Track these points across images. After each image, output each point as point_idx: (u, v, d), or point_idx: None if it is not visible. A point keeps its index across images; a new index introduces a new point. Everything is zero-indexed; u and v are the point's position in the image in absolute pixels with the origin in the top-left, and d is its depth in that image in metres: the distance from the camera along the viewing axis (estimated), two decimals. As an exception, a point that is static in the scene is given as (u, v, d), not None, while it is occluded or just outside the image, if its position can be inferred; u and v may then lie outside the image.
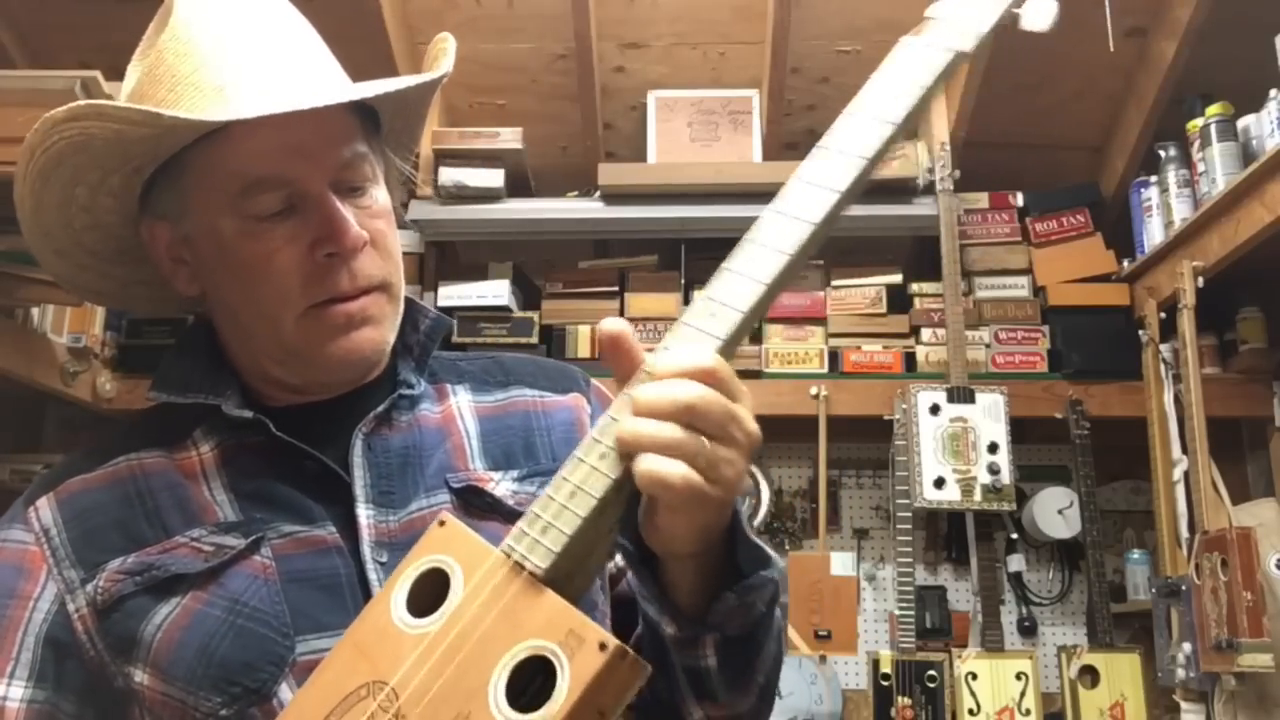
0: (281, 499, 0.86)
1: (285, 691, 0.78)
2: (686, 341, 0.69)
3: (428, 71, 0.94)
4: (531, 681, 0.65)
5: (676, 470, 0.65)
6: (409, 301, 0.95)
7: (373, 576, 0.82)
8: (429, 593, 0.70)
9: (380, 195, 0.90)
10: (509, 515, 0.87)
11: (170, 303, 0.98)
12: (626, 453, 0.67)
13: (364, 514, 0.85)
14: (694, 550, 0.72)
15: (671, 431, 0.65)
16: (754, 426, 0.69)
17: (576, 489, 0.68)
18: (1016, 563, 3.04)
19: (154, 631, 0.80)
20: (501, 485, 0.90)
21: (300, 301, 0.84)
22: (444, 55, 0.94)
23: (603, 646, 0.63)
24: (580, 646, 0.64)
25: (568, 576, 0.68)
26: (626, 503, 0.70)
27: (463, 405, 0.96)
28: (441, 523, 0.73)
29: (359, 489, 0.86)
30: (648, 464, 0.65)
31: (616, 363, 0.71)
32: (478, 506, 0.88)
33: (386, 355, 0.92)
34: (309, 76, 0.87)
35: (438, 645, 0.67)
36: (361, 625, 0.72)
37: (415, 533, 0.83)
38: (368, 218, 0.87)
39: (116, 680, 0.81)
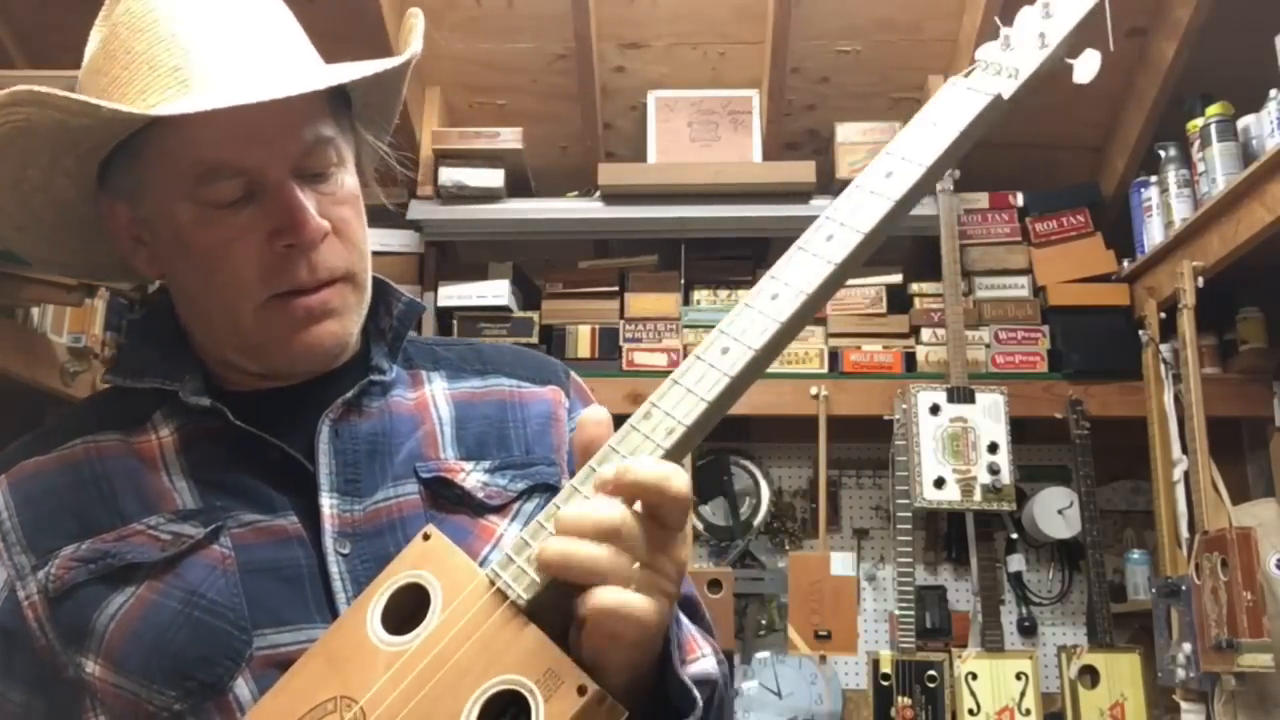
0: (242, 487, 0.83)
1: (241, 687, 0.76)
2: (648, 435, 0.67)
3: (403, 47, 0.90)
4: (503, 714, 0.64)
5: (630, 604, 0.62)
6: (382, 284, 0.92)
7: (334, 569, 0.80)
8: (406, 608, 0.68)
9: (347, 180, 0.86)
10: (478, 508, 0.85)
11: (132, 278, 0.96)
12: (548, 571, 0.64)
13: (327, 503, 0.82)
14: (626, 677, 0.68)
15: (598, 558, 0.63)
16: (684, 556, 0.67)
17: None
18: (1016, 563, 3.04)
19: (107, 622, 0.77)
20: (472, 476, 0.87)
21: (259, 292, 0.81)
22: (413, 33, 0.90)
23: (581, 690, 0.61)
24: (558, 687, 0.62)
25: (550, 609, 0.66)
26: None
27: (437, 392, 0.93)
28: (426, 536, 0.71)
29: (322, 477, 0.83)
30: (595, 600, 0.62)
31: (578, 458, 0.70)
32: (446, 498, 0.85)
33: (351, 346, 0.89)
34: (271, 58, 0.83)
35: (412, 667, 0.65)
36: (335, 635, 0.70)
37: (380, 522, 0.82)
38: (331, 205, 0.83)
39: (68, 670, 0.79)
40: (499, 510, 0.86)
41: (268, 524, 0.82)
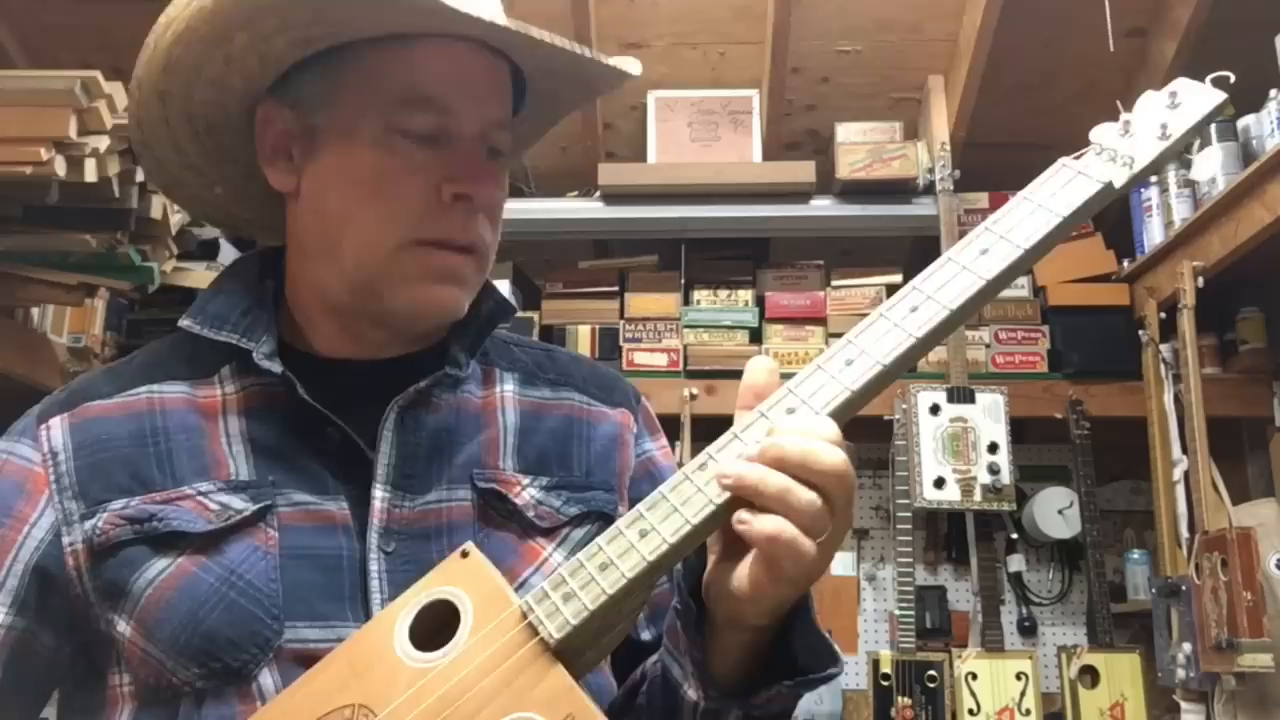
0: (298, 463, 0.82)
1: (265, 677, 0.76)
2: (820, 395, 0.67)
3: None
4: None
5: (805, 542, 0.64)
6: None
7: (373, 566, 0.79)
8: (435, 622, 0.68)
9: (504, 172, 0.88)
10: (527, 527, 0.84)
11: (207, 206, 0.95)
12: (742, 495, 0.64)
13: (379, 495, 0.81)
14: (764, 623, 0.69)
15: (811, 498, 0.64)
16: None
17: (609, 563, 0.65)
18: (1016, 563, 3.04)
19: (144, 586, 0.78)
20: (526, 492, 0.86)
21: (407, 230, 0.81)
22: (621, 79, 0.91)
23: None
24: None
25: (579, 650, 0.65)
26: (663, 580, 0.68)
27: (507, 395, 0.92)
28: (465, 553, 0.70)
29: (380, 467, 0.82)
30: (775, 525, 0.63)
31: (744, 400, 0.70)
32: (497, 511, 0.84)
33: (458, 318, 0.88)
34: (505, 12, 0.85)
35: (433, 689, 0.65)
36: (361, 641, 0.69)
37: (428, 524, 0.82)
38: (495, 185, 0.86)
39: (100, 624, 0.80)
40: (547, 534, 0.85)
41: (317, 507, 0.81)
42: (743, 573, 0.67)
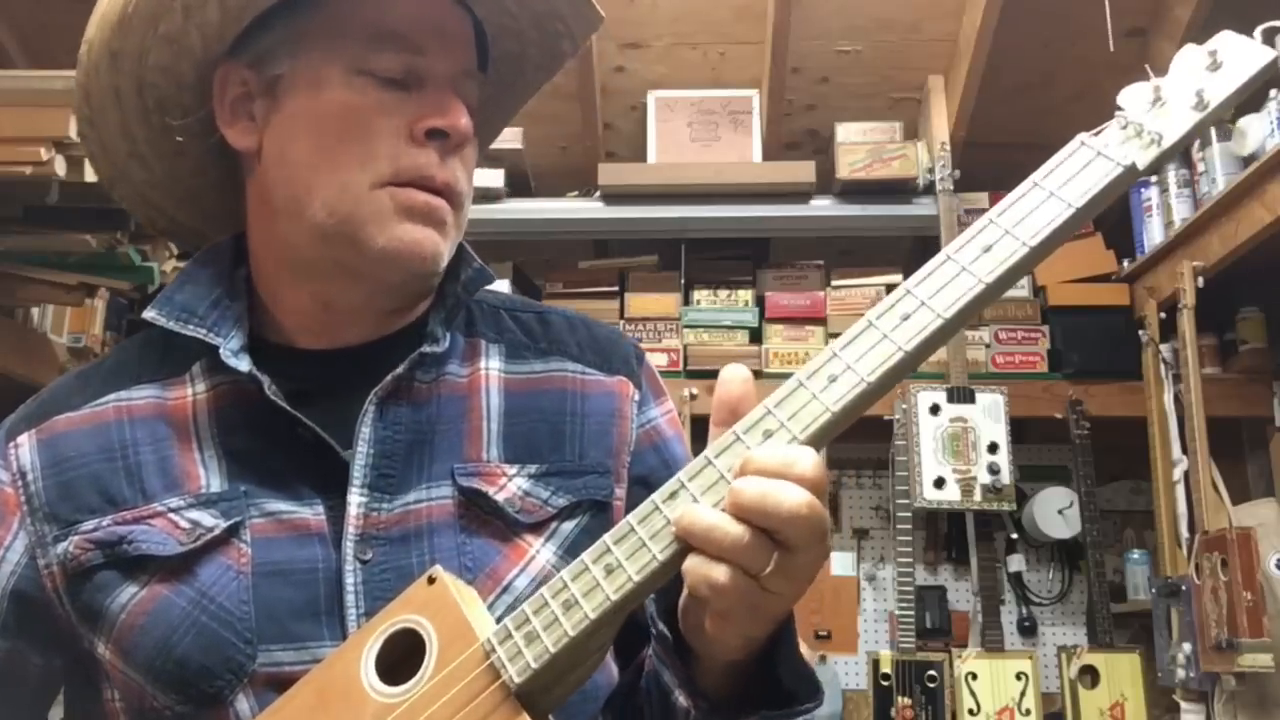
0: (272, 468, 0.79)
1: (242, 702, 0.74)
2: (800, 417, 0.62)
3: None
4: None
5: (733, 580, 0.60)
6: (459, 246, 0.87)
7: (349, 579, 0.76)
8: (404, 649, 0.66)
9: (472, 131, 0.84)
10: (510, 524, 0.80)
11: (151, 209, 0.91)
12: (687, 543, 0.61)
13: (355, 500, 0.77)
14: (738, 656, 0.67)
15: (747, 539, 0.59)
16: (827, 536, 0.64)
17: (573, 601, 0.62)
18: (1016, 563, 3.04)
19: (118, 611, 0.76)
20: (512, 484, 0.81)
21: (383, 169, 0.78)
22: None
23: None
24: None
25: (545, 689, 0.63)
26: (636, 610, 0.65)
27: (491, 374, 0.86)
28: (432, 579, 0.68)
29: (356, 469, 0.78)
30: (704, 567, 0.60)
31: (719, 415, 0.65)
32: (479, 508, 0.80)
33: (437, 274, 0.83)
34: None
35: None
36: (329, 669, 0.68)
37: (407, 527, 0.78)
38: (470, 125, 0.82)
39: (84, 643, 0.78)
40: (534, 529, 0.81)
41: (291, 516, 0.78)
42: (698, 613, 0.64)
